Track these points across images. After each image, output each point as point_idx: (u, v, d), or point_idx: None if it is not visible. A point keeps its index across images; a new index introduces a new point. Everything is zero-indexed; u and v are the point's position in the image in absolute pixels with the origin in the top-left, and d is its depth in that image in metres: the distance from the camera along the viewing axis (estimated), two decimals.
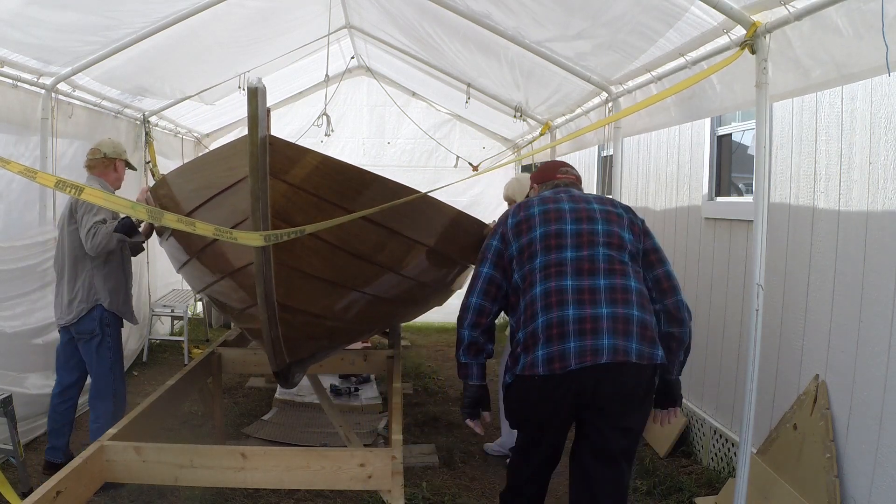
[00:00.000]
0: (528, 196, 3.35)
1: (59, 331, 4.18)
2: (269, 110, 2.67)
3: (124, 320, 4.21)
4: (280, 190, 2.76)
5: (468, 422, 2.91)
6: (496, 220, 3.04)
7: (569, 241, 2.71)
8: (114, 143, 4.31)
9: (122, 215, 3.89)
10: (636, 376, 2.58)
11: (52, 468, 4.01)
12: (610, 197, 2.99)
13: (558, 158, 5.94)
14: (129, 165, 4.40)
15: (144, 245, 4.33)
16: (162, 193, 3.69)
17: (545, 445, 2.88)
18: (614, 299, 2.60)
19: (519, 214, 2.87)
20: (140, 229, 4.07)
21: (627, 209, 2.91)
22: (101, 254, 3.94)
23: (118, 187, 4.32)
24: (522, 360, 2.64)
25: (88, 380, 4.22)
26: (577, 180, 3.11)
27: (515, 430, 3.10)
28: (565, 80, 5.35)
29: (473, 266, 3.19)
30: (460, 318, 2.85)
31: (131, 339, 6.68)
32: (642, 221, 2.88)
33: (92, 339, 4.04)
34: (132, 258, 4.32)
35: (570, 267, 2.66)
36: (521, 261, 2.76)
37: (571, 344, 2.55)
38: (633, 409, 2.65)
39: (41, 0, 3.94)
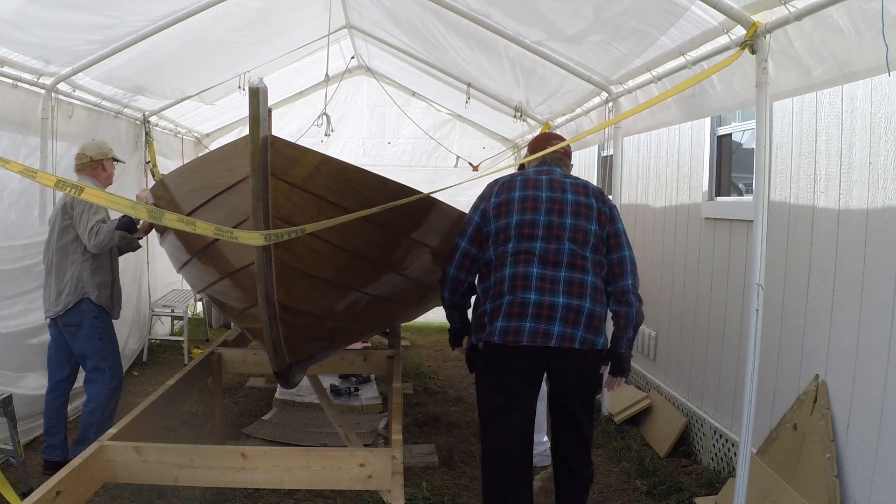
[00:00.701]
0: (523, 161, 3.62)
1: (48, 326, 4.21)
2: (270, 110, 2.67)
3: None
4: (281, 190, 2.76)
5: (456, 350, 3.59)
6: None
7: (540, 233, 3.05)
8: (97, 145, 4.33)
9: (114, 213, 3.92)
10: (579, 359, 3.03)
11: (50, 467, 4.02)
12: (584, 182, 3.22)
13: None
14: (115, 160, 4.42)
15: (141, 244, 4.35)
16: (161, 195, 3.69)
17: (511, 410, 3.09)
18: (570, 291, 2.99)
19: (501, 195, 3.16)
20: (139, 227, 4.10)
21: (598, 196, 3.17)
22: (103, 251, 3.98)
23: (110, 183, 4.37)
24: (487, 328, 3.06)
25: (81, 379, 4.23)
26: (564, 155, 3.41)
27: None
28: (566, 80, 5.35)
29: None
30: (441, 282, 3.29)
31: (131, 339, 6.67)
32: (610, 209, 3.17)
33: (79, 331, 4.06)
34: (132, 254, 4.34)
35: (538, 257, 3.03)
36: (497, 241, 3.11)
37: (527, 324, 2.97)
38: (582, 383, 3.13)
39: None
